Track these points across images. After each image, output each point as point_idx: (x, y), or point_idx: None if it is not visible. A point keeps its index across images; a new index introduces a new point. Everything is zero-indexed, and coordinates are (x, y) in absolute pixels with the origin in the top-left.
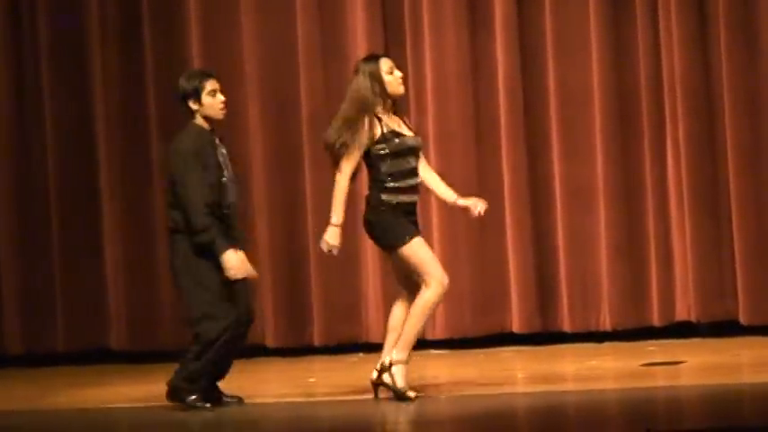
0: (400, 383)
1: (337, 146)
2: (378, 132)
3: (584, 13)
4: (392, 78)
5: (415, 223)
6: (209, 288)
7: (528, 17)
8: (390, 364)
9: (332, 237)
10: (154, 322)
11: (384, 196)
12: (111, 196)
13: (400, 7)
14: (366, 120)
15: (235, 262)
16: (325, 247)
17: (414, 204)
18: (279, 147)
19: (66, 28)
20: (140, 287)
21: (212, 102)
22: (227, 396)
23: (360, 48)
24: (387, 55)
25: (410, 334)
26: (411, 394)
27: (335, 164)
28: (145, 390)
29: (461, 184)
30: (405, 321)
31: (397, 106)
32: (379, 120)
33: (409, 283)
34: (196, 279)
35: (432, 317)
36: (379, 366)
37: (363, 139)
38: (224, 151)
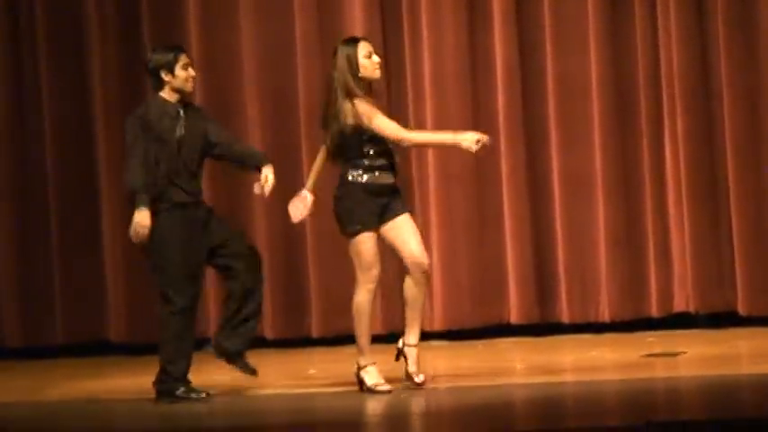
0: (370, 382)
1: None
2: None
3: (583, 9)
4: (368, 62)
5: (386, 206)
6: (175, 264)
7: (527, 12)
8: (358, 368)
9: (467, 138)
10: (153, 315)
11: (353, 173)
12: (109, 192)
13: (398, 4)
14: (347, 100)
15: (138, 218)
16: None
17: (385, 186)
18: (277, 144)
19: (65, 27)
20: (139, 279)
21: (186, 74)
22: (196, 390)
23: None
24: (368, 39)
25: (356, 338)
26: (384, 388)
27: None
28: (144, 382)
29: (460, 177)
30: (411, 294)
31: (373, 90)
32: (353, 103)
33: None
34: (167, 254)
35: (429, 308)
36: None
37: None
38: (184, 123)
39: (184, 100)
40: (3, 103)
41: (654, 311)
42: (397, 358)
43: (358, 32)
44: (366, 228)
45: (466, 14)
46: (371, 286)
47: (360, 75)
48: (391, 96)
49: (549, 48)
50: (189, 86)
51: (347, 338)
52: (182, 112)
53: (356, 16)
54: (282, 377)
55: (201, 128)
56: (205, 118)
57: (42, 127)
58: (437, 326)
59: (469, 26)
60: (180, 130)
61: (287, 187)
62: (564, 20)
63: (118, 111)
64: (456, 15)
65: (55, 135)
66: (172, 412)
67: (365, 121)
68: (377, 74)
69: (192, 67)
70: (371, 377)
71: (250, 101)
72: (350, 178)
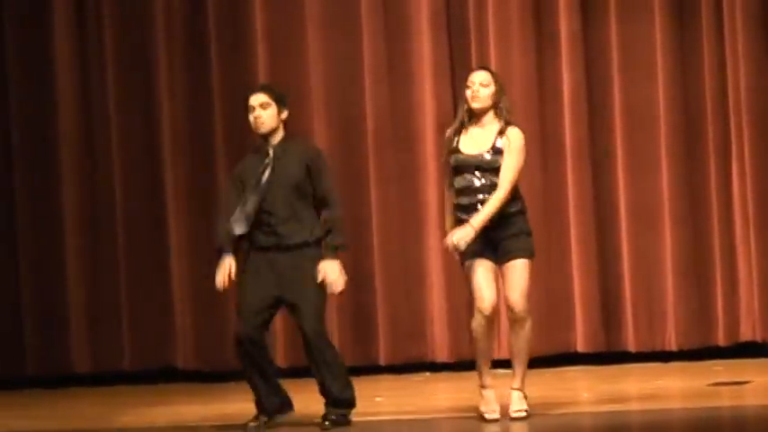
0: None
1: None
2: (453, 144)
3: (650, 32)
4: (468, 91)
5: (483, 241)
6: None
7: (593, 35)
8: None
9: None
10: (221, 342)
11: (457, 212)
12: (177, 213)
13: (466, 26)
14: (448, 131)
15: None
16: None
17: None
18: (344, 163)
19: (133, 48)
20: (207, 306)
21: (251, 117)
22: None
23: (425, 66)
24: (486, 67)
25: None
26: (489, 416)
27: None
28: (212, 409)
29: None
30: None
31: (481, 116)
32: (458, 132)
33: None
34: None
35: (495, 336)
36: None
37: (445, 149)
38: (266, 172)
39: (275, 140)
40: (71, 121)
41: (721, 340)
42: None
43: (425, 61)
44: (475, 256)
45: (533, 42)
46: (483, 311)
47: (466, 104)
48: None
49: (615, 74)
50: (257, 128)
51: (415, 366)
52: (271, 153)
53: (423, 35)
54: None
55: (294, 168)
56: (305, 158)
57: (110, 144)
58: (504, 354)
59: (537, 53)
60: (266, 172)
61: (354, 206)
62: (631, 46)
63: (185, 134)
64: (523, 42)
65: (122, 152)
66: None
67: None
68: (472, 103)
69: (259, 108)
70: (481, 403)
71: (317, 118)
72: (457, 214)
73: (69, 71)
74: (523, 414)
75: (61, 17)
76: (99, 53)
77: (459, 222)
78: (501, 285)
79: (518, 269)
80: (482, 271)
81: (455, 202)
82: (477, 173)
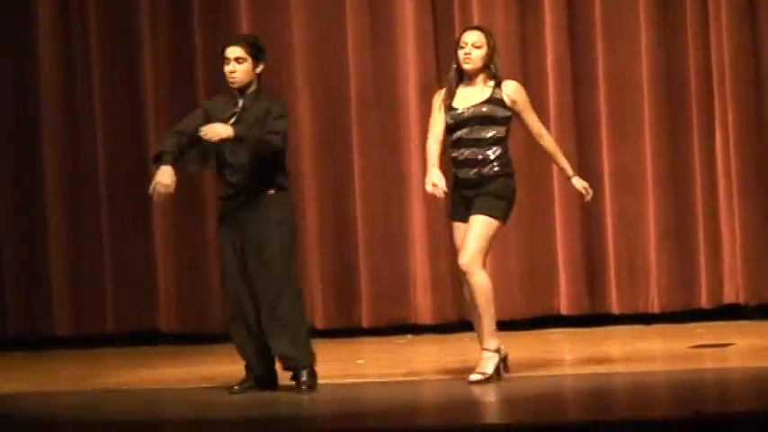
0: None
1: None
2: (448, 103)
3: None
4: (460, 52)
5: (469, 199)
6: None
7: (577, 4)
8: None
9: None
10: (203, 304)
11: (453, 167)
12: None
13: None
14: (441, 90)
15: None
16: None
17: (462, 180)
18: (327, 127)
19: (116, 14)
20: (190, 269)
21: (226, 70)
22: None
23: (408, 32)
24: (479, 27)
25: None
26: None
27: None
28: (194, 371)
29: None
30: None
31: (472, 77)
32: (450, 92)
33: None
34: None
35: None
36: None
37: (435, 104)
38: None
39: (248, 91)
40: (54, 88)
41: (703, 303)
42: None
43: (409, 24)
44: (454, 216)
45: (516, 8)
46: (461, 268)
47: (458, 64)
48: None
49: (599, 37)
50: (229, 81)
51: (397, 328)
52: (240, 103)
53: (407, 8)
54: (332, 367)
55: (258, 119)
56: (269, 109)
57: (93, 111)
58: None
59: (520, 19)
60: (231, 121)
61: (338, 172)
62: (614, 11)
63: (167, 98)
64: (507, 8)
65: (105, 119)
66: (219, 402)
67: None
68: (464, 65)
69: (234, 63)
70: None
71: (301, 85)
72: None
73: (52, 44)
74: (478, 377)
75: None
76: (81, 22)
77: (455, 178)
78: None
79: (474, 224)
80: (458, 233)
81: (452, 155)
82: (474, 126)
